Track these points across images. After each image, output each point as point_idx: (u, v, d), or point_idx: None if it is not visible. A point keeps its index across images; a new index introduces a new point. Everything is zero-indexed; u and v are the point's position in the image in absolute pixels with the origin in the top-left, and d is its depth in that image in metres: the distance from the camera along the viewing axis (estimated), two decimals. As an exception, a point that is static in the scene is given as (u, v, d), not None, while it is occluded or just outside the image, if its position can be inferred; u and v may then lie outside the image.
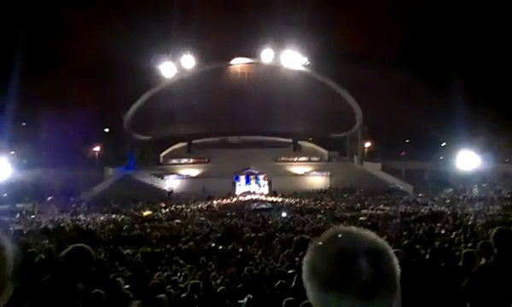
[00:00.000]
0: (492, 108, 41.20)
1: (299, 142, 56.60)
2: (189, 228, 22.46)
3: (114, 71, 45.52)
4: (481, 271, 3.30)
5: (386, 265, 0.90)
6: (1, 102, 33.86)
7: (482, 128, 40.37)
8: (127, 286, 5.98)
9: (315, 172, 51.62)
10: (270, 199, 42.08)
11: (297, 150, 55.85)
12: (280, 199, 41.37)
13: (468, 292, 3.17)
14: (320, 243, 0.94)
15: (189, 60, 54.61)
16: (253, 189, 47.83)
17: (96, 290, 3.94)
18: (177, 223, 26.13)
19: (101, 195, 42.87)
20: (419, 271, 4.93)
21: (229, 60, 56.50)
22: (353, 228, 0.96)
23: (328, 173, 50.45)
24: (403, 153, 54.28)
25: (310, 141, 57.59)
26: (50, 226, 23.85)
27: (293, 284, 5.93)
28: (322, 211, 32.40)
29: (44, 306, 2.41)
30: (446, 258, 5.56)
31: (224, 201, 40.75)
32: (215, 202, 39.75)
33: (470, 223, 18.16)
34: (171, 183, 48.99)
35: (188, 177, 50.50)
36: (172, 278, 8.15)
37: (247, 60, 56.53)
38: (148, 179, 48.93)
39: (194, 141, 55.39)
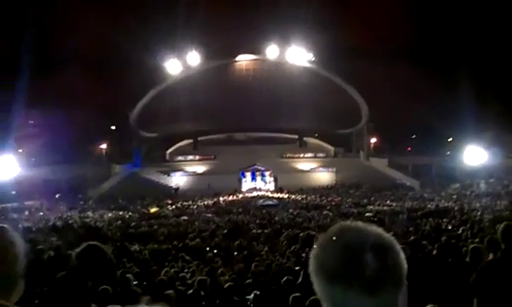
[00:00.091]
0: (499, 103, 40.93)
1: (304, 139, 56.43)
2: (195, 225, 22.48)
3: (121, 68, 45.76)
4: (489, 267, 3.29)
5: (392, 260, 0.91)
6: (9, 101, 34.13)
7: (489, 123, 40.05)
8: (135, 283, 6.05)
9: (321, 168, 51.40)
10: (276, 195, 42.03)
11: (303, 146, 55.60)
12: (286, 196, 41.31)
13: (476, 287, 3.17)
14: (327, 238, 0.95)
15: (194, 57, 54.60)
16: (258, 186, 47.86)
17: (105, 286, 3.97)
18: (183, 220, 26.16)
19: (109, 192, 43.09)
20: (426, 267, 4.93)
21: (235, 56, 56.38)
22: (360, 224, 0.96)
23: (334, 169, 50.13)
24: (408, 149, 54.01)
25: (316, 138, 57.41)
26: (59, 223, 23.96)
27: (300, 280, 5.93)
28: (329, 208, 32.07)
29: (57, 303, 2.43)
30: (453, 254, 5.56)
31: (231, 198, 40.79)
32: (221, 199, 39.83)
33: (477, 218, 17.96)
34: (177, 180, 49.04)
35: (194, 174, 50.41)
36: (180, 274, 8.20)
37: (253, 56, 56.33)
38: (155, 176, 48.93)
39: (200, 138, 55.42)
